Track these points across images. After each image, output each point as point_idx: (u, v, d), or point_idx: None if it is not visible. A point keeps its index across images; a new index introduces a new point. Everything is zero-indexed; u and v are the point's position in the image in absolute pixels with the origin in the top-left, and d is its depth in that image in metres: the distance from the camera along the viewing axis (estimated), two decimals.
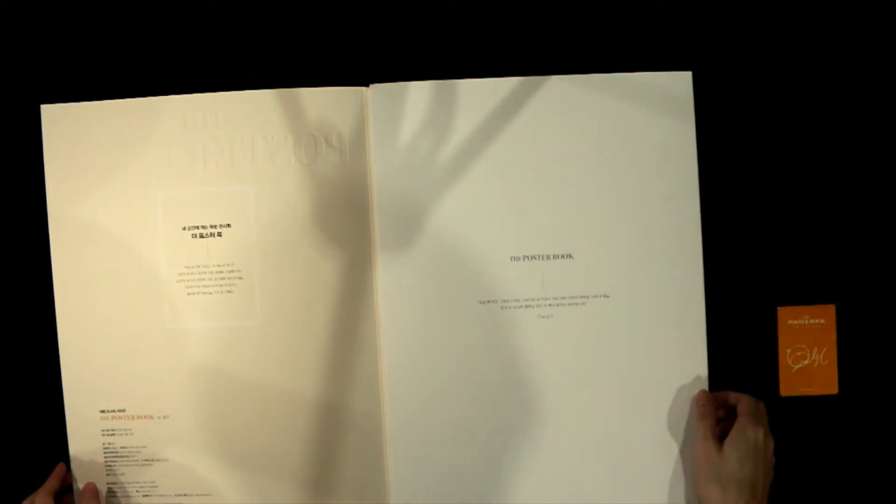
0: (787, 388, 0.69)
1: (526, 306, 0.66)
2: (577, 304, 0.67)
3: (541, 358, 0.67)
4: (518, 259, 0.67)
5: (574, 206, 0.67)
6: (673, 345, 0.67)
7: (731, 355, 0.68)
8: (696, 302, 0.67)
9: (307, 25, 0.69)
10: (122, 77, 0.69)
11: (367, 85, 0.67)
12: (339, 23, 0.69)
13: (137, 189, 0.67)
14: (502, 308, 0.66)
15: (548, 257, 0.67)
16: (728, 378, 0.67)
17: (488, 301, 0.66)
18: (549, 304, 0.67)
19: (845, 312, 0.69)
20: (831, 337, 0.69)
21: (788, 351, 0.69)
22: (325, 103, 0.67)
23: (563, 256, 0.67)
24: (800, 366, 0.69)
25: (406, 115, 0.67)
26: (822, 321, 0.69)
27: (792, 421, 0.69)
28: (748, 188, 0.69)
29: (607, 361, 0.67)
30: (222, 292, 0.67)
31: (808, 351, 0.69)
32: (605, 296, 0.67)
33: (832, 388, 0.69)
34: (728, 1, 0.69)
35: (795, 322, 0.69)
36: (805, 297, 0.69)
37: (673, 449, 0.67)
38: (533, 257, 0.67)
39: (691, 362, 0.67)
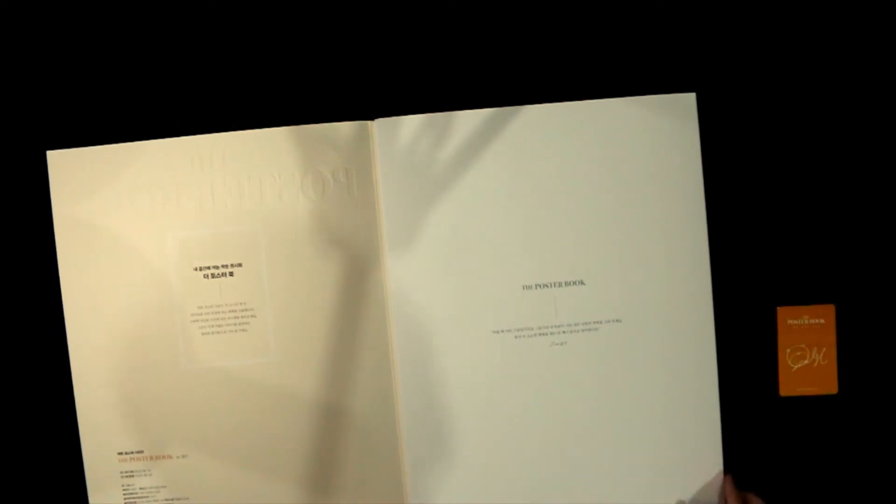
0: (786, 388, 0.69)
1: (539, 334, 0.67)
2: (589, 329, 0.67)
3: (555, 384, 0.67)
4: (530, 287, 0.67)
5: (584, 232, 0.67)
6: (684, 366, 0.67)
7: (731, 355, 0.68)
8: (706, 322, 0.67)
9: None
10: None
11: (372, 119, 0.67)
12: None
13: (148, 231, 0.67)
14: (516, 337, 0.67)
15: (560, 285, 0.67)
16: (728, 378, 0.68)
17: (502, 331, 0.67)
18: (563, 332, 0.67)
19: (845, 312, 0.69)
20: (831, 337, 0.69)
21: (788, 351, 0.69)
22: (330, 139, 0.67)
23: (574, 283, 0.67)
24: (799, 366, 0.69)
25: (413, 148, 0.67)
26: (822, 321, 0.69)
27: (791, 421, 0.69)
28: (748, 189, 0.69)
29: (621, 385, 0.67)
30: (236, 331, 0.67)
31: (808, 351, 0.69)
32: (617, 320, 0.67)
33: (832, 388, 0.69)
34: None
35: (795, 322, 0.69)
36: (805, 297, 0.69)
37: (688, 474, 0.68)
38: (545, 285, 0.67)
39: (702, 383, 0.67)
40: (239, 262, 0.67)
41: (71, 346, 0.67)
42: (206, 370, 0.67)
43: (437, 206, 0.67)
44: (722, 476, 0.67)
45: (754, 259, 0.69)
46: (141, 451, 0.67)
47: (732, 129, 0.69)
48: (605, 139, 0.67)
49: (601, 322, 0.67)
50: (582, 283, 0.67)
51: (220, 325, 0.67)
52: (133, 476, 0.68)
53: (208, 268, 0.67)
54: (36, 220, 0.68)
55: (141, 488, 0.68)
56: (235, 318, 0.67)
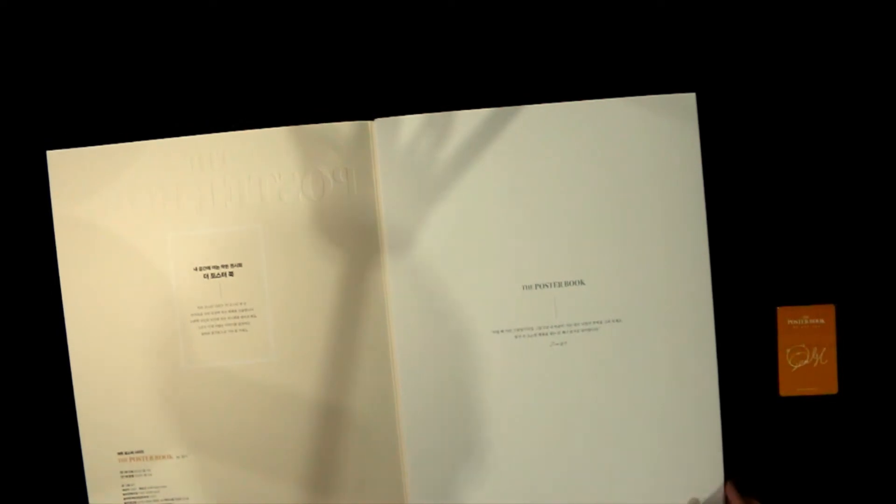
0: (786, 388, 0.69)
1: (539, 334, 0.67)
2: (590, 329, 0.67)
3: (555, 384, 0.67)
4: (530, 287, 0.67)
5: (584, 233, 0.67)
6: (684, 366, 0.67)
7: (731, 355, 0.68)
8: (706, 322, 0.67)
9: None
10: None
11: (371, 119, 0.67)
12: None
13: (147, 232, 0.67)
14: (516, 337, 0.67)
15: (559, 284, 0.67)
16: (728, 378, 0.68)
17: (502, 331, 0.67)
18: (563, 332, 0.67)
19: (845, 312, 0.69)
20: (831, 337, 0.69)
21: (788, 351, 0.69)
22: (330, 139, 0.67)
23: (574, 283, 0.67)
24: (799, 366, 0.69)
25: (413, 148, 0.67)
26: (822, 321, 0.69)
27: (791, 421, 0.69)
28: (748, 189, 0.69)
29: (621, 385, 0.67)
30: (236, 331, 0.67)
31: (808, 351, 0.69)
32: (617, 320, 0.67)
33: (832, 388, 0.69)
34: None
35: (795, 322, 0.69)
36: (805, 297, 0.69)
37: (688, 474, 0.68)
38: (545, 285, 0.67)
39: (702, 383, 0.67)
40: (239, 262, 0.67)
41: (71, 346, 0.67)
42: (206, 370, 0.67)
43: (437, 206, 0.67)
44: (723, 479, 0.67)
45: (754, 259, 0.69)
46: (141, 451, 0.68)
47: (732, 129, 0.69)
48: (605, 139, 0.67)
49: (601, 322, 0.67)
50: (582, 283, 0.67)
51: (220, 325, 0.67)
52: (133, 476, 0.68)
53: (208, 268, 0.67)
54: (36, 220, 0.68)
55: (141, 488, 0.68)
56: (235, 318, 0.67)
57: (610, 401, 0.67)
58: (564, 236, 0.67)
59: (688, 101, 0.67)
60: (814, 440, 0.69)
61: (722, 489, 0.67)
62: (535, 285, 0.67)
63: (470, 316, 0.67)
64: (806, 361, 0.69)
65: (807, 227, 0.69)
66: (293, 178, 0.67)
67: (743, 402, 0.69)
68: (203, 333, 0.67)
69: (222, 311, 0.67)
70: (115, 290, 0.67)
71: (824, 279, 0.69)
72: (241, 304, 0.67)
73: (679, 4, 0.69)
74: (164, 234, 0.67)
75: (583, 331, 0.67)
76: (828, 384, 0.69)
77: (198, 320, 0.67)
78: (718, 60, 0.69)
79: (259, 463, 0.67)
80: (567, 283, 0.67)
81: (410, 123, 0.67)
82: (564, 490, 0.68)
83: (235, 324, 0.67)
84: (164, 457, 0.67)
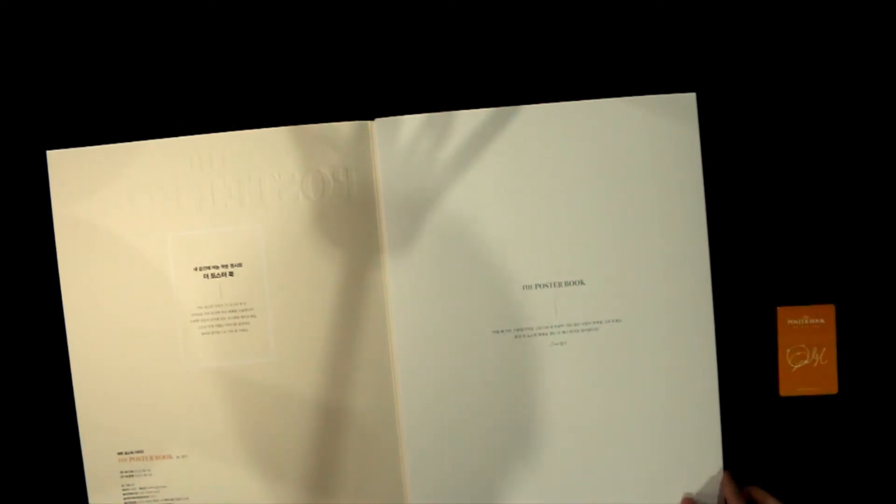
0: (786, 388, 0.69)
1: (539, 334, 0.67)
2: (590, 329, 0.67)
3: (555, 384, 0.67)
4: (530, 287, 0.67)
5: (584, 232, 0.67)
6: (684, 366, 0.67)
7: (731, 355, 0.68)
8: (706, 322, 0.67)
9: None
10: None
11: (371, 119, 0.67)
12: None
13: (147, 232, 0.67)
14: (516, 337, 0.67)
15: (559, 284, 0.67)
16: (728, 378, 0.68)
17: (502, 331, 0.67)
18: (563, 332, 0.67)
19: (845, 312, 0.69)
20: (831, 337, 0.69)
21: (788, 351, 0.69)
22: (330, 139, 0.67)
23: (574, 283, 0.67)
24: (799, 366, 0.69)
25: (413, 148, 0.67)
26: (822, 321, 0.69)
27: (791, 421, 0.69)
28: (748, 189, 0.69)
29: (621, 385, 0.67)
30: (236, 331, 0.67)
31: (808, 351, 0.69)
32: (617, 320, 0.67)
33: (832, 388, 0.69)
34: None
35: (795, 322, 0.69)
36: (805, 297, 0.69)
37: (688, 474, 0.68)
38: (545, 285, 0.67)
39: (702, 383, 0.68)
40: (239, 262, 0.67)
41: (71, 346, 0.67)
42: (206, 370, 0.67)
43: (437, 206, 0.67)
44: (722, 474, 0.67)
45: (754, 259, 0.69)
46: (141, 451, 0.68)
47: (732, 129, 0.69)
48: (605, 139, 0.67)
49: (601, 322, 0.67)
50: (582, 283, 0.67)
51: (220, 325, 0.67)
52: (133, 476, 0.68)
53: (208, 268, 0.67)
54: (36, 220, 0.68)
55: (141, 488, 0.68)
56: (235, 318, 0.67)
57: (610, 400, 0.67)
58: (564, 236, 0.67)
59: (688, 101, 0.67)
60: (814, 440, 0.69)
61: (714, 483, 0.67)
62: (535, 285, 0.67)
63: (470, 316, 0.67)
64: (806, 361, 0.69)
65: (807, 227, 0.69)
66: (293, 178, 0.67)
67: (743, 401, 0.69)
68: (203, 333, 0.67)
69: (222, 311, 0.67)
70: (115, 290, 0.67)
71: (824, 279, 0.69)
72: (241, 304, 0.67)
73: (679, 4, 0.69)
74: (164, 234, 0.67)
75: (583, 331, 0.67)
76: (828, 384, 0.69)
77: (198, 320, 0.67)
78: (718, 60, 0.69)
79: (259, 463, 0.67)
80: (567, 283, 0.67)
81: (410, 123, 0.67)
82: (563, 489, 0.68)
83: (235, 324, 0.67)
84: (164, 457, 0.68)
